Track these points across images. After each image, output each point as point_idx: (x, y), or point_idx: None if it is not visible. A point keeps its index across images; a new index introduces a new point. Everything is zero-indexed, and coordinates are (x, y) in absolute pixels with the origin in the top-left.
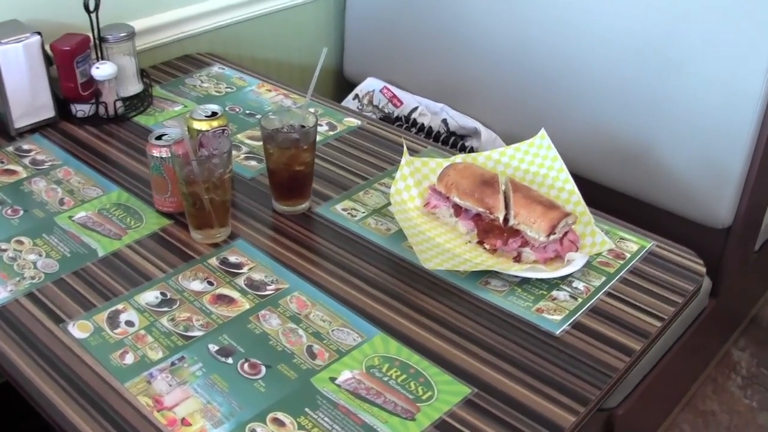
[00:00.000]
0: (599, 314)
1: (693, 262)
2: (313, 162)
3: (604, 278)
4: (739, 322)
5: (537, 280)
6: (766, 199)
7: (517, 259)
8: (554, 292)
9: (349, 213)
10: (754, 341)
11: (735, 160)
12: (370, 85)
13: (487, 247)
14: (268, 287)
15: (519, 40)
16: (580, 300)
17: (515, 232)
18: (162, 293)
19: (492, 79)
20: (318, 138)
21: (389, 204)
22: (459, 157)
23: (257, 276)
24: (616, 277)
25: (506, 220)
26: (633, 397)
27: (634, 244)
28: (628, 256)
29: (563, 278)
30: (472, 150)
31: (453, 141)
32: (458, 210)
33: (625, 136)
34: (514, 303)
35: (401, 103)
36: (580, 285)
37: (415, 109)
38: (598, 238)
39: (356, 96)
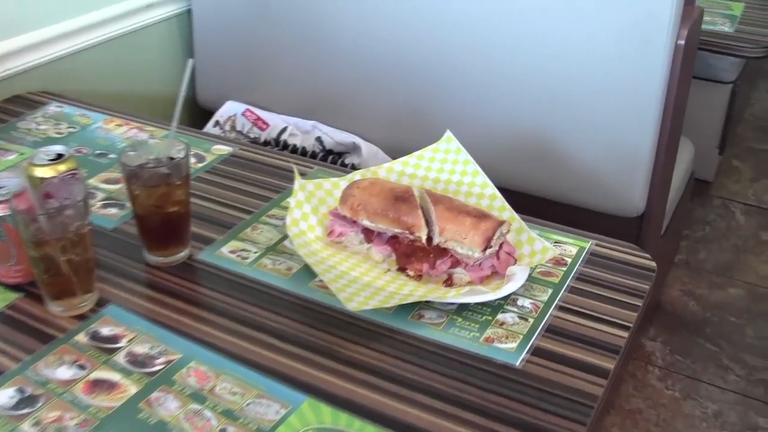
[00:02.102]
0: (558, 334)
1: (639, 257)
2: (188, 200)
3: (550, 290)
4: (648, 311)
5: (476, 304)
6: (669, 182)
7: (449, 282)
8: (500, 316)
9: (239, 255)
10: (663, 329)
11: (642, 145)
12: (230, 109)
13: (411, 273)
14: (157, 361)
15: (393, 41)
16: (531, 320)
17: (442, 252)
18: (19, 390)
19: (367, 87)
20: None
21: (285, 238)
22: (357, 174)
23: (140, 348)
24: (564, 287)
25: (429, 238)
26: None
27: (572, 246)
28: (570, 261)
29: (505, 298)
30: (353, 168)
31: (331, 159)
32: (369, 234)
33: (525, 134)
34: (457, 336)
35: (267, 125)
36: (526, 303)
37: (284, 129)
38: (537, 246)
39: (217, 123)
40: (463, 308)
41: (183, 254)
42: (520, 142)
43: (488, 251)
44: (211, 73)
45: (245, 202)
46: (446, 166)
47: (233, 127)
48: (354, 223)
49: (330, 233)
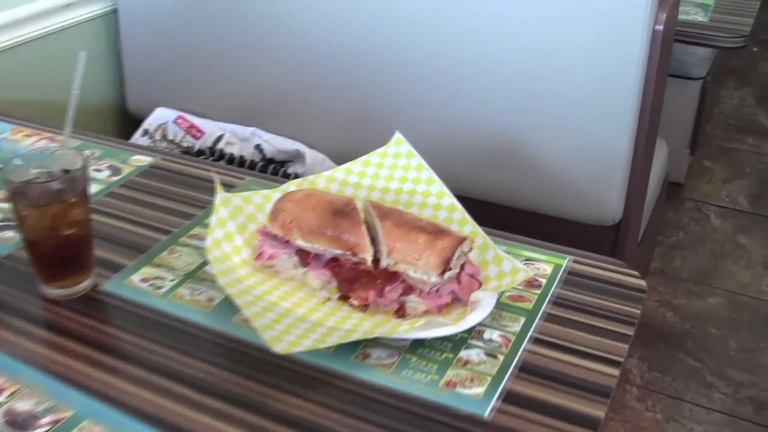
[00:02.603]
0: (534, 373)
1: (625, 275)
2: (89, 219)
3: (523, 319)
4: None
5: (434, 339)
6: (647, 185)
7: (401, 313)
8: (463, 353)
9: (151, 284)
10: (640, 343)
11: (618, 144)
12: (160, 116)
13: (355, 303)
14: (42, 421)
15: (338, 35)
16: (501, 358)
17: (392, 276)
18: None
19: (311, 88)
20: (97, 188)
21: (206, 263)
22: (293, 184)
23: (24, 405)
24: (539, 315)
25: (376, 260)
26: None
27: (546, 264)
28: (544, 282)
29: (469, 330)
30: (297, 178)
31: (273, 169)
32: (305, 256)
33: (488, 135)
34: (411, 380)
35: (202, 132)
36: (494, 335)
37: (220, 137)
38: (505, 266)
39: (146, 132)
40: (418, 344)
41: (84, 285)
42: (481, 145)
43: (447, 274)
44: (141, 78)
45: (164, 221)
46: (396, 173)
47: (164, 136)
48: (286, 243)
49: (258, 256)
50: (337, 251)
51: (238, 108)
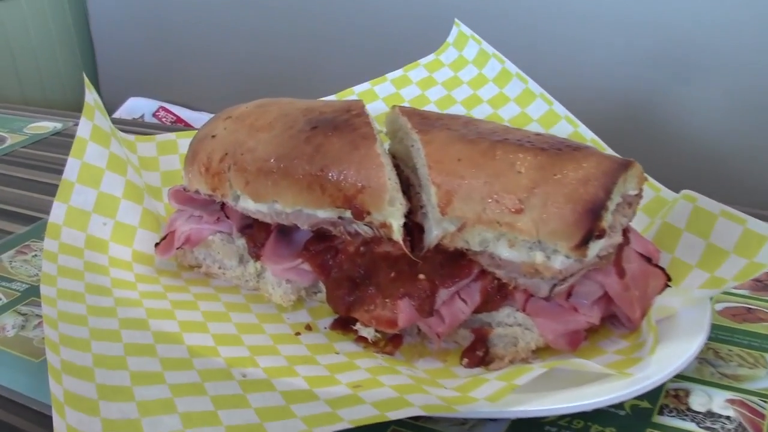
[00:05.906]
0: None
1: None
2: None
3: None
4: None
5: (568, 417)
6: None
7: (479, 355)
8: None
9: None
10: None
11: None
12: (133, 108)
13: (369, 334)
14: None
15: None
16: None
17: (454, 265)
18: None
19: (339, 48)
20: None
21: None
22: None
23: None
24: None
25: (414, 228)
26: None
27: None
28: None
29: (656, 392)
30: None
31: None
32: (258, 234)
33: (615, 97)
34: None
35: (192, 128)
36: (717, 401)
37: None
38: (721, 235)
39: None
40: (528, 430)
41: None
42: (607, 109)
43: (594, 247)
44: (116, 62)
45: (33, 204)
46: (458, 93)
47: None
48: (219, 209)
49: (162, 243)
50: (325, 212)
51: (240, 91)
